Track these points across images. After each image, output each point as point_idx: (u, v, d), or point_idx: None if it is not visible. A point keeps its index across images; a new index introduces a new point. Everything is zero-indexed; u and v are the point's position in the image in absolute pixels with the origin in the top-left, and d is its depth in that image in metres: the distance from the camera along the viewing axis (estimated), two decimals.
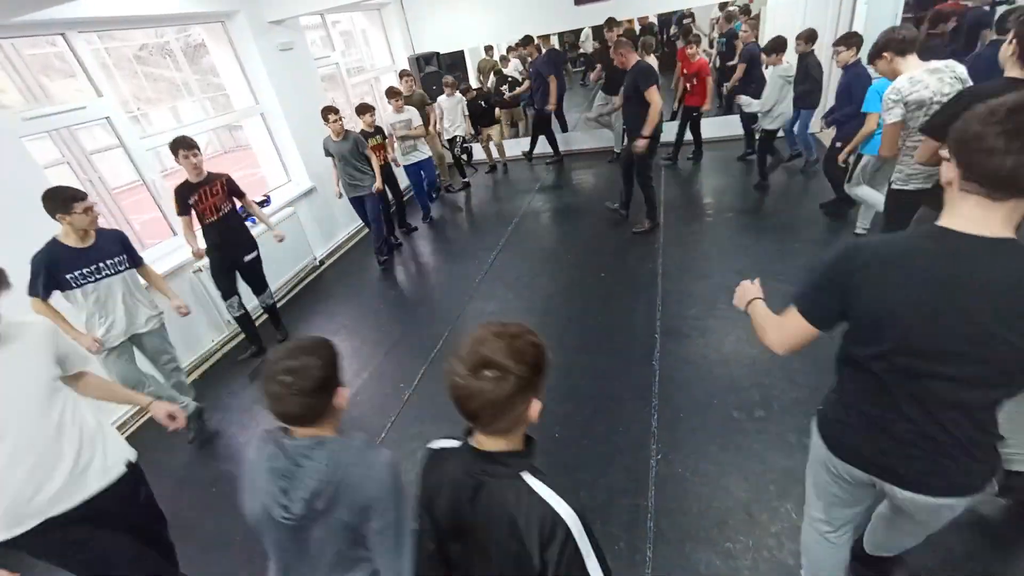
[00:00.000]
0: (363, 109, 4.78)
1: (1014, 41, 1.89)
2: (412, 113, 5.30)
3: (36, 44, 7.30)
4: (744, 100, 5.15)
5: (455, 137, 6.44)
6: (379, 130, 4.95)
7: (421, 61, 6.55)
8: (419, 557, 1.07)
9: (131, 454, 1.74)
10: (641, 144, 4.10)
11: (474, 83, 8.34)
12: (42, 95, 4.31)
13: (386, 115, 5.35)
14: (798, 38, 4.46)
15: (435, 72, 6.61)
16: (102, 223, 2.60)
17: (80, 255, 2.47)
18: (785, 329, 1.28)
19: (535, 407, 0.92)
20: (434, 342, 3.52)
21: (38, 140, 3.13)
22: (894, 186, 2.58)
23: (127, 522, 1.70)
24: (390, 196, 5.26)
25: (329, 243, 5.45)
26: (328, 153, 4.58)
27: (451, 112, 6.25)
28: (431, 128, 6.19)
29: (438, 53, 6.68)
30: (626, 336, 3.23)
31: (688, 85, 5.60)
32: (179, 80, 14.85)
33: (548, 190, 6.26)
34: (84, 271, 2.49)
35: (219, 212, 3.43)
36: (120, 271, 2.62)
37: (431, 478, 1.04)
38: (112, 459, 1.65)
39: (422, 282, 4.69)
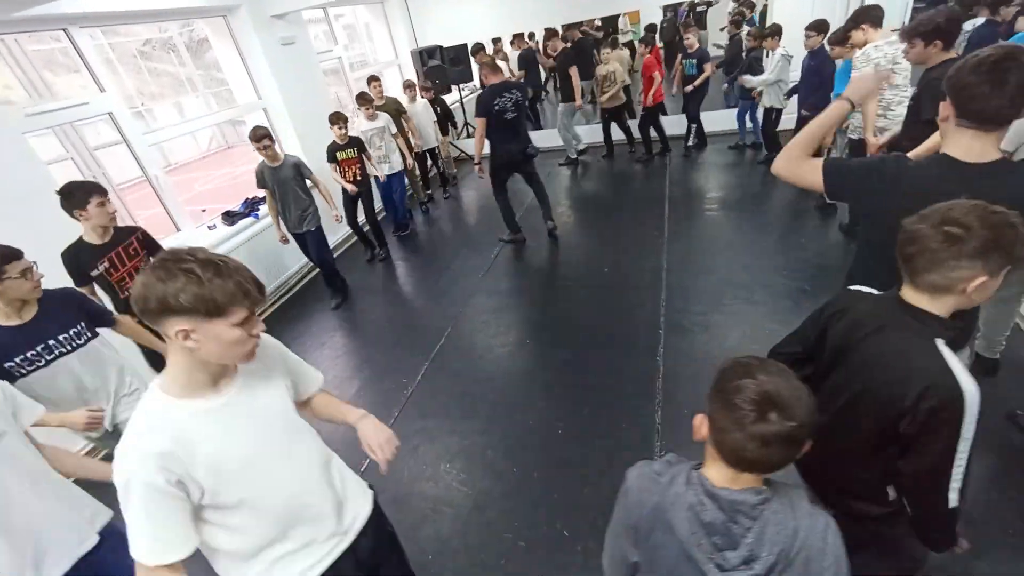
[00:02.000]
0: (335, 118, 4.26)
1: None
2: (385, 119, 4.89)
3: (40, 40, 7.30)
4: (747, 79, 5.19)
5: (430, 150, 5.97)
6: (353, 142, 4.41)
7: (424, 55, 6.51)
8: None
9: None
10: (476, 170, 4.48)
11: (476, 80, 8.33)
12: (46, 91, 4.30)
13: (357, 123, 4.87)
14: (809, 29, 4.19)
15: (438, 66, 6.57)
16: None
17: (16, 333, 1.85)
18: (804, 167, 1.40)
19: (979, 283, 0.91)
20: (436, 338, 3.51)
21: (42, 136, 3.12)
22: (852, 136, 3.32)
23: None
24: (361, 219, 4.83)
25: (331, 239, 5.41)
26: (262, 183, 3.81)
27: (420, 121, 5.75)
28: (411, 139, 5.64)
29: (441, 47, 6.63)
30: (630, 331, 3.21)
31: (646, 85, 5.85)
32: (183, 75, 14.88)
33: (562, 189, 6.23)
34: (26, 355, 1.86)
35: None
36: (78, 346, 1.99)
37: (838, 306, 1.16)
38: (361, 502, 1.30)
39: (425, 278, 4.67)
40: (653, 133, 6.17)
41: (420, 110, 5.77)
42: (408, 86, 5.66)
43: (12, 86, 6.95)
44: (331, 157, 4.43)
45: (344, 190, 4.53)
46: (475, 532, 2.17)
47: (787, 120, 5.13)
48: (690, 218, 4.62)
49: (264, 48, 4.55)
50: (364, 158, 4.56)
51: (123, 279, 2.56)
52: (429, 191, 6.27)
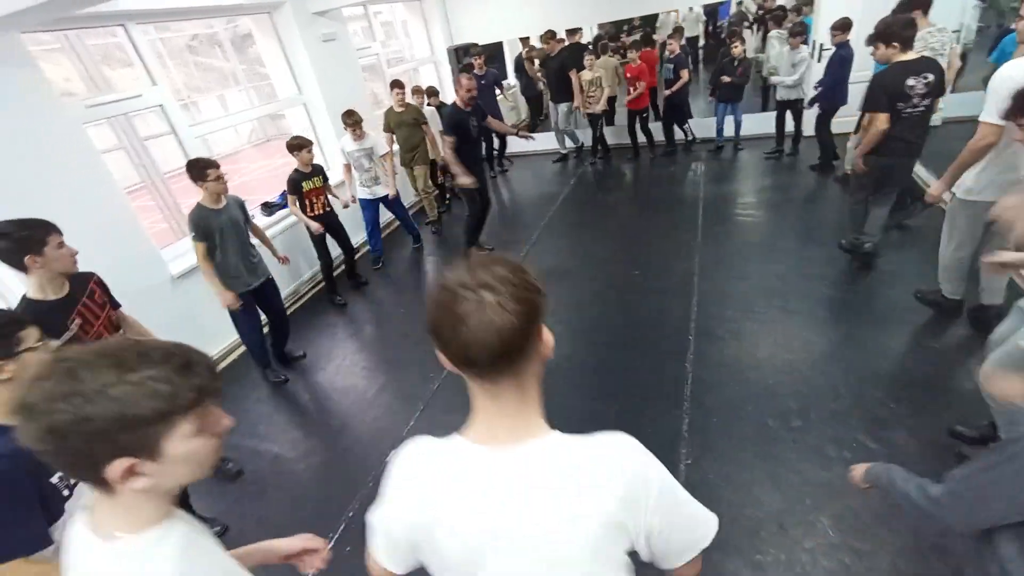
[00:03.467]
0: (297, 145, 3.81)
1: None
2: (374, 141, 4.46)
3: (98, 35, 7.68)
4: (776, 80, 5.38)
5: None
6: (318, 170, 3.97)
7: (460, 52, 6.55)
8: None
9: None
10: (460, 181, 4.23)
11: (512, 79, 8.35)
12: (103, 83, 4.52)
13: (343, 143, 4.44)
14: (834, 28, 4.58)
15: (471, 64, 6.60)
16: (152, 204, 2.71)
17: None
18: None
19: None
20: None
21: (97, 126, 3.29)
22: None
23: None
24: (336, 252, 4.35)
25: (360, 234, 5.46)
26: (204, 234, 2.86)
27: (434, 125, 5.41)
28: (432, 151, 5.25)
29: (476, 45, 6.66)
30: (659, 335, 3.17)
31: (631, 89, 6.06)
32: (227, 70, 15.38)
33: (583, 185, 6.19)
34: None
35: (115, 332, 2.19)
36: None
37: None
38: None
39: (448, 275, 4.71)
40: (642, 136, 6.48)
41: (427, 118, 5.45)
42: (417, 91, 5.56)
43: (72, 78, 7.35)
44: (294, 188, 3.86)
45: (308, 228, 4.01)
46: None
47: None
48: (724, 222, 4.52)
49: (306, 44, 4.67)
50: (327, 187, 4.08)
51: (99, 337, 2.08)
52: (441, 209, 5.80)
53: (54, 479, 1.23)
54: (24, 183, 2.69)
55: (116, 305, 2.19)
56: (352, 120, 4.25)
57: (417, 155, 5.20)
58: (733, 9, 9.44)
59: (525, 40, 7.51)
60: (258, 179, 11.07)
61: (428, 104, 5.67)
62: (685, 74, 5.87)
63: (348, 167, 4.52)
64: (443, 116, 4.18)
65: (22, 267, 1.84)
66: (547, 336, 0.71)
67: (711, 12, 9.38)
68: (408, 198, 5.70)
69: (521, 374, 0.69)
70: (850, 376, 2.58)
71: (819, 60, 5.30)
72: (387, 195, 4.63)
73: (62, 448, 0.60)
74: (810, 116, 5.24)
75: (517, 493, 0.68)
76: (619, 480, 0.68)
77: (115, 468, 0.62)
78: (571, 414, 2.68)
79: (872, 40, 2.98)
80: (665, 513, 0.70)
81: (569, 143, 6.97)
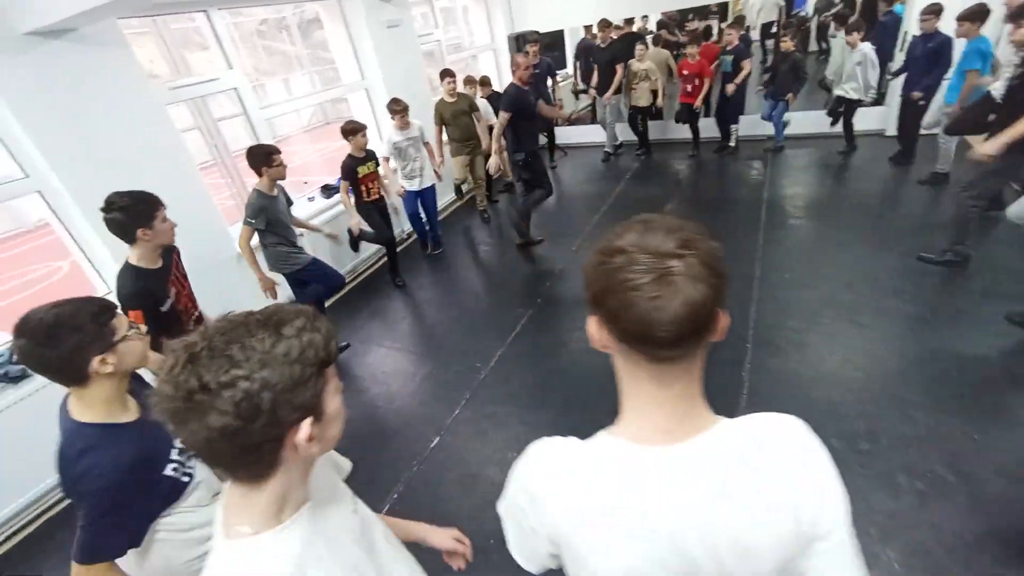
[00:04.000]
0: (352, 129, 3.79)
1: None
2: (419, 128, 4.36)
3: (178, 19, 8.12)
4: (841, 91, 5.12)
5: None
6: (371, 155, 3.97)
7: (521, 40, 6.48)
8: None
9: None
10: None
11: (569, 68, 8.19)
12: (184, 67, 4.78)
13: (387, 133, 4.33)
14: (926, 13, 4.24)
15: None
16: (220, 182, 2.83)
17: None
18: None
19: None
20: (512, 326, 3.53)
21: (176, 106, 3.48)
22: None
23: None
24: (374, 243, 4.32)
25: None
26: (263, 220, 2.98)
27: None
28: (486, 144, 5.06)
29: (538, 32, 6.56)
30: (714, 342, 3.04)
31: (688, 86, 5.84)
32: (292, 53, 15.94)
33: (637, 180, 6.02)
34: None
35: (197, 309, 2.31)
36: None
37: None
38: None
39: (504, 263, 4.71)
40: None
41: (482, 106, 5.44)
42: (469, 81, 5.49)
43: (154, 60, 7.82)
44: (349, 174, 3.84)
45: (373, 204, 4.06)
46: None
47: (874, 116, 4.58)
48: (788, 224, 4.27)
49: (370, 30, 4.75)
50: (379, 173, 4.09)
51: (185, 308, 2.21)
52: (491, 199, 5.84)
53: (168, 470, 1.18)
54: (115, 157, 2.89)
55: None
56: (400, 107, 4.13)
57: (474, 144, 5.18)
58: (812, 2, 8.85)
59: (589, 28, 7.34)
60: (313, 162, 11.47)
61: (480, 95, 5.61)
62: (747, 65, 5.57)
63: (387, 160, 4.37)
64: (502, 96, 4.12)
65: (131, 239, 1.92)
66: (723, 315, 0.60)
67: (788, 1, 8.84)
68: (442, 199, 5.67)
69: (695, 356, 0.61)
70: (927, 401, 2.39)
71: (901, 50, 4.91)
72: (432, 185, 4.58)
73: (248, 427, 0.56)
74: (879, 113, 4.89)
75: (709, 494, 0.59)
76: (804, 469, 0.62)
77: (303, 431, 0.60)
78: (614, 416, 2.62)
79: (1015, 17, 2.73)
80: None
81: (607, 139, 6.79)
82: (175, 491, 1.18)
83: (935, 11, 4.19)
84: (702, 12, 8.45)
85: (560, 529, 0.64)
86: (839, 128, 5.44)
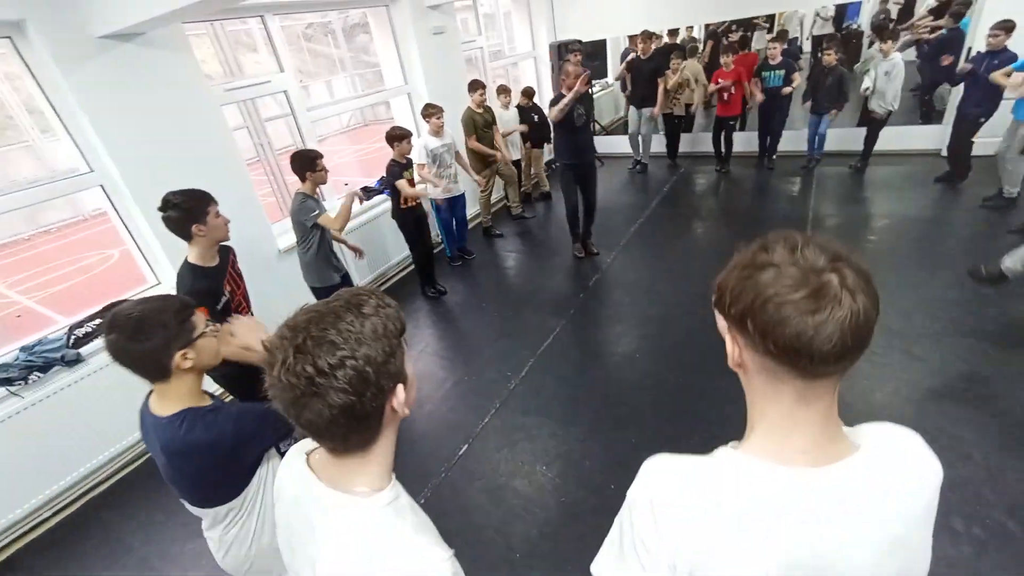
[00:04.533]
0: (399, 135, 3.76)
1: None
2: (452, 136, 4.40)
3: (232, 21, 8.45)
4: (877, 106, 5.05)
5: (515, 162, 5.58)
6: (410, 162, 3.97)
7: (562, 49, 6.48)
8: None
9: None
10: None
11: (610, 77, 8.14)
12: (236, 68, 4.96)
13: (422, 140, 4.24)
14: (995, 28, 4.03)
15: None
16: (263, 179, 2.90)
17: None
18: None
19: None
20: (544, 336, 3.51)
21: (227, 107, 3.60)
22: None
23: None
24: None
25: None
26: (314, 225, 2.98)
27: (507, 129, 5.41)
28: (505, 155, 5.23)
29: (580, 41, 6.55)
30: None
31: (724, 94, 5.72)
32: (336, 56, 16.38)
33: (674, 193, 5.92)
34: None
35: (249, 309, 2.37)
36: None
37: None
38: None
39: (535, 272, 4.69)
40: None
41: (509, 118, 5.50)
42: (502, 91, 5.45)
43: (207, 60, 8.15)
44: (396, 177, 3.85)
45: (410, 211, 4.04)
46: (566, 542, 2.14)
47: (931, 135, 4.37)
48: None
49: (417, 36, 4.82)
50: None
51: (238, 308, 2.27)
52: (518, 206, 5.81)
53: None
54: (172, 154, 3.02)
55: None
56: (435, 110, 4.11)
57: (494, 157, 5.14)
58: (872, 7, 8.57)
59: (634, 38, 7.29)
60: (352, 163, 11.73)
61: (516, 104, 5.63)
62: (797, 78, 5.43)
63: (422, 166, 4.27)
64: (551, 102, 4.12)
65: (188, 235, 2.01)
66: None
67: (839, 13, 8.58)
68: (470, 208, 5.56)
69: (842, 375, 0.59)
70: (985, 441, 2.25)
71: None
72: (463, 192, 4.62)
73: (361, 400, 0.64)
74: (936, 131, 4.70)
75: (853, 524, 0.57)
76: (931, 483, 0.63)
77: (399, 394, 0.69)
78: (650, 435, 2.57)
79: None
80: None
81: (642, 151, 6.70)
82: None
83: (1007, 27, 3.98)
84: (748, 24, 8.32)
85: (684, 552, 0.61)
86: (889, 145, 5.24)
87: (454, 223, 4.80)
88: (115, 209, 2.97)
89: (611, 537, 0.71)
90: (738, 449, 0.64)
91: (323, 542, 0.72)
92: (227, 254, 2.24)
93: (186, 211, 1.98)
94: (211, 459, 1.18)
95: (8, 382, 2.51)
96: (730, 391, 2.69)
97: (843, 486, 0.58)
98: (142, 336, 1.10)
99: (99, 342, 2.82)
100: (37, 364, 2.60)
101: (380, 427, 0.70)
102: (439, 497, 2.46)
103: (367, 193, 4.80)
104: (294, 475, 0.79)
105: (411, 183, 3.99)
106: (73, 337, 2.77)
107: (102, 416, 2.80)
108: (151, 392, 1.22)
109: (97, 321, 2.87)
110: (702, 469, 0.64)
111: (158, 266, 3.16)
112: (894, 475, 0.60)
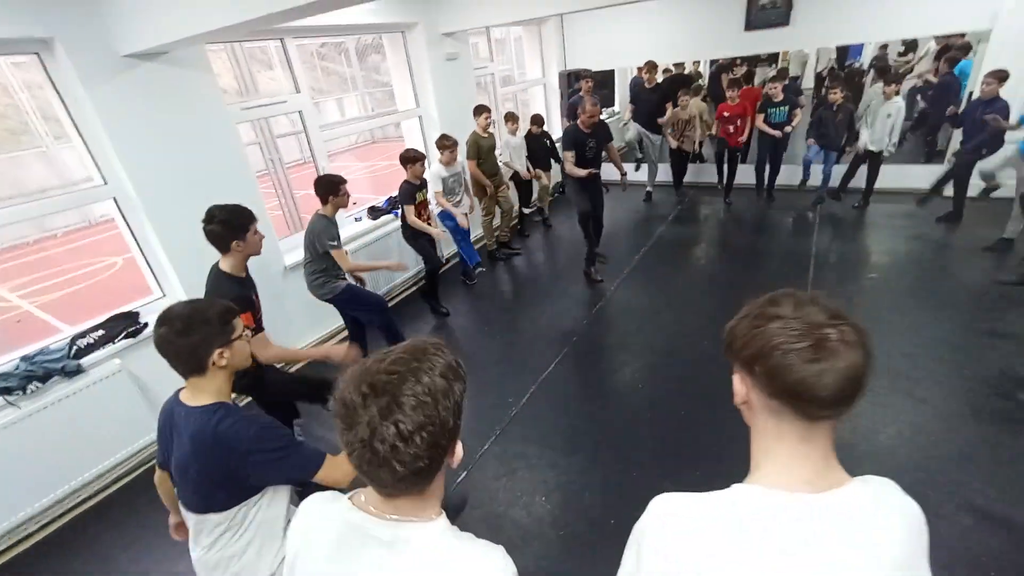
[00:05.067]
0: (413, 158, 3.82)
1: None
2: (461, 164, 4.53)
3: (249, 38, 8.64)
4: (865, 141, 5.15)
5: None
6: (424, 183, 4.02)
7: (572, 77, 6.63)
8: None
9: None
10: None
11: (618, 105, 8.29)
12: (251, 84, 5.07)
13: (434, 168, 4.32)
14: (990, 76, 4.19)
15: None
16: (271, 191, 2.93)
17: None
18: None
19: None
20: (546, 363, 3.49)
21: (241, 124, 3.65)
22: None
23: None
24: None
25: (449, 247, 5.62)
26: (335, 238, 3.07)
27: (513, 155, 5.54)
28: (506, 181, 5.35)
29: (590, 71, 6.70)
30: None
31: (730, 127, 5.82)
32: (348, 75, 16.72)
33: (678, 221, 5.98)
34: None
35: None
36: None
37: None
38: None
39: (540, 296, 4.70)
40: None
41: (516, 145, 5.55)
42: (510, 118, 5.49)
43: (222, 74, 8.30)
44: (410, 198, 3.87)
45: (416, 234, 4.04)
46: None
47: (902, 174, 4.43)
48: (839, 283, 4.14)
49: (431, 62, 4.93)
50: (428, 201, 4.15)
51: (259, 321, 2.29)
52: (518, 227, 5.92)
53: None
54: (185, 170, 3.07)
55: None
56: (450, 143, 4.17)
57: (497, 180, 5.20)
58: (871, 51, 8.78)
59: (642, 68, 7.45)
60: (360, 180, 11.86)
61: (529, 132, 5.64)
62: (798, 114, 5.59)
63: (439, 193, 4.33)
64: (563, 135, 4.24)
65: (226, 249, 2.09)
66: None
67: (841, 52, 8.79)
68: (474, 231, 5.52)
69: (839, 418, 0.66)
70: (989, 490, 2.22)
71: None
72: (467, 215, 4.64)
73: (429, 465, 0.69)
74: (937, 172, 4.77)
75: (852, 543, 0.62)
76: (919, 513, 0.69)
77: (457, 451, 0.75)
78: (650, 469, 2.54)
79: None
80: None
81: (647, 179, 6.79)
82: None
83: (1000, 77, 4.13)
84: (752, 60, 8.51)
85: (690, 558, 0.66)
86: (892, 184, 5.32)
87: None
88: (125, 220, 3.00)
89: (626, 555, 0.76)
90: (749, 483, 0.70)
91: (394, 570, 0.74)
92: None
93: (229, 226, 2.06)
94: (226, 454, 1.22)
95: (7, 391, 2.50)
96: (734, 427, 2.68)
97: (844, 508, 0.64)
98: (189, 331, 1.21)
99: (101, 352, 2.82)
100: (37, 374, 2.59)
101: (435, 477, 0.75)
102: None
103: (374, 212, 4.88)
104: (332, 518, 0.80)
105: (421, 207, 4.00)
106: (75, 347, 2.77)
107: (97, 428, 2.77)
108: (180, 389, 1.30)
109: (100, 332, 2.87)
110: (712, 495, 0.70)
111: (165, 280, 3.17)
112: (889, 497, 0.68)
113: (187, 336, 1.21)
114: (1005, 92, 4.20)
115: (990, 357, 3.03)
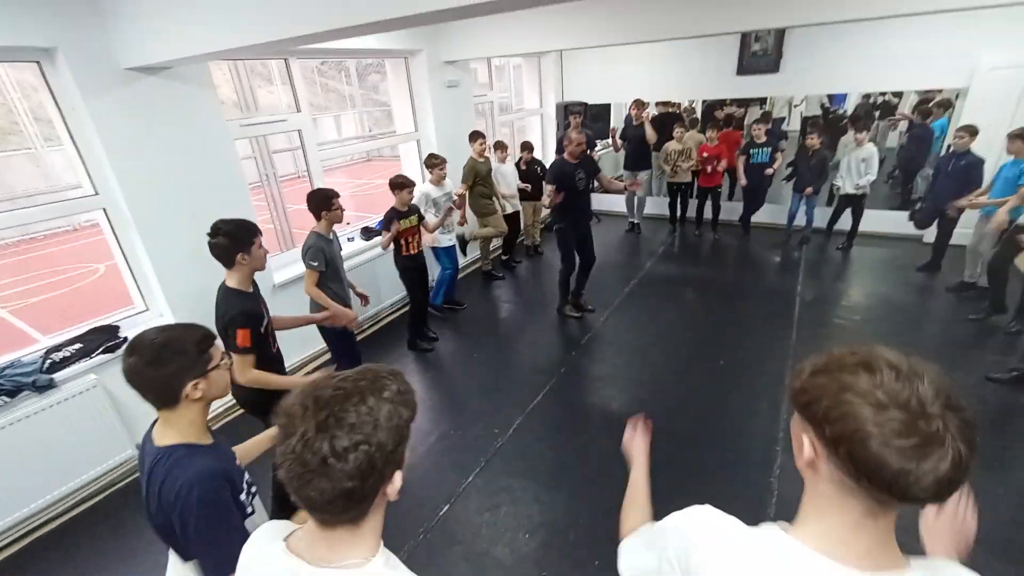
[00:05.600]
0: (401, 183, 3.70)
1: None
2: (451, 186, 4.47)
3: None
4: (842, 183, 5.43)
5: (514, 214, 5.72)
6: (414, 209, 3.87)
7: (567, 109, 6.78)
8: None
9: None
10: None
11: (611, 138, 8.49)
12: (251, 98, 5.08)
13: (424, 187, 4.25)
14: (961, 131, 4.38)
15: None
16: (262, 204, 2.91)
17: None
18: None
19: None
20: (532, 395, 3.46)
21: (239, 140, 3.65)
22: None
23: None
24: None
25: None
26: (323, 262, 2.89)
27: (507, 182, 5.60)
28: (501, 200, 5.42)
29: (586, 104, 6.87)
30: (742, 440, 2.93)
31: (707, 168, 6.03)
32: (347, 93, 16.91)
33: (668, 257, 6.07)
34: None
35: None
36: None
37: None
38: None
39: (527, 327, 4.69)
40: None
41: (508, 171, 5.62)
42: (498, 147, 5.56)
43: (220, 85, 8.31)
44: (387, 224, 3.71)
45: (411, 259, 3.93)
46: None
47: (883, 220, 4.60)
48: (824, 324, 4.21)
49: (431, 88, 5.01)
50: (423, 226, 3.99)
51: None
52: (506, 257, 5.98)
53: (242, 496, 1.22)
54: (179, 184, 3.04)
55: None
56: (438, 161, 4.16)
57: (493, 204, 5.28)
58: (854, 99, 9.16)
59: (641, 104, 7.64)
60: (353, 197, 11.87)
61: (521, 160, 5.72)
62: (779, 157, 5.81)
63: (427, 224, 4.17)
64: (549, 168, 4.27)
65: (231, 263, 2.06)
66: None
67: (831, 96, 9.15)
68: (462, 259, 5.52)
69: None
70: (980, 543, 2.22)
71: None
72: (454, 244, 4.61)
73: (364, 485, 0.67)
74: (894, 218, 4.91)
75: None
76: None
77: (395, 481, 0.72)
78: None
79: None
80: None
81: (636, 212, 6.91)
82: (242, 519, 1.21)
83: (971, 131, 4.33)
84: (743, 101, 8.80)
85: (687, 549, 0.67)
86: (873, 227, 5.46)
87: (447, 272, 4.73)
88: (112, 230, 2.94)
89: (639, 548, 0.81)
90: (788, 533, 0.64)
91: None
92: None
93: (235, 239, 2.03)
94: (166, 507, 1.11)
95: None
96: (721, 472, 2.68)
97: None
98: (160, 362, 1.11)
99: (76, 367, 2.73)
100: (5, 388, 2.49)
101: (371, 507, 0.73)
102: (415, 562, 2.31)
103: (367, 233, 4.87)
104: (268, 561, 0.77)
105: (409, 234, 3.86)
106: (49, 361, 2.67)
107: (68, 446, 2.66)
108: (156, 420, 1.20)
109: (77, 346, 2.78)
110: (760, 535, 0.66)
111: (149, 293, 3.10)
112: None
113: (158, 367, 1.10)
114: (982, 147, 4.39)
115: (974, 399, 3.08)
